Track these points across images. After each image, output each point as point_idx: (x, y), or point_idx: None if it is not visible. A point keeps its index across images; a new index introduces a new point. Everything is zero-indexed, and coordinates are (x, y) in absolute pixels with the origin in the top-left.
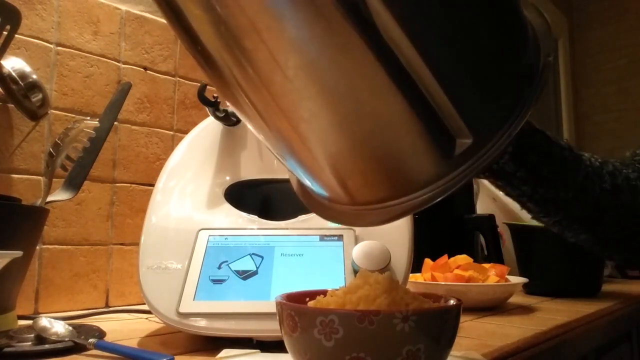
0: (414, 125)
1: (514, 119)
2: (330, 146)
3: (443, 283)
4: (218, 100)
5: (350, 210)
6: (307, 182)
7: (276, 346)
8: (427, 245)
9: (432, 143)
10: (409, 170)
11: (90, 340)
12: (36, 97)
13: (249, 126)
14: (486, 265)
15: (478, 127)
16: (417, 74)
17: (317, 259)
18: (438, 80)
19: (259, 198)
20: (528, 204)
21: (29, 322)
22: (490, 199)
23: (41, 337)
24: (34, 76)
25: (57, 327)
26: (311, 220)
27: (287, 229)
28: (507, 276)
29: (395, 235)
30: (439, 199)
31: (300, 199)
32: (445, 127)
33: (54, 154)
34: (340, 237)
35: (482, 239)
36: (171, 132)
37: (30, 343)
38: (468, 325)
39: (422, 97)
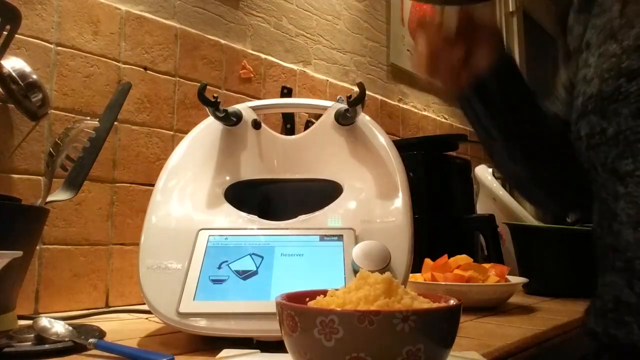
0: None
1: None
2: None
3: (443, 283)
4: (218, 100)
5: None
6: None
7: (276, 346)
8: (427, 245)
9: None
10: None
11: (90, 340)
12: (36, 97)
13: None
14: (486, 265)
15: None
16: None
17: (317, 259)
18: None
19: (259, 198)
20: (494, 131)
21: (29, 322)
22: (490, 199)
23: (41, 337)
24: (34, 76)
25: (57, 327)
26: (311, 220)
27: (287, 229)
28: (507, 276)
29: (395, 235)
30: None
31: None
32: None
33: (54, 154)
34: (340, 237)
35: (482, 239)
36: (171, 132)
37: (30, 343)
38: (468, 325)
39: None
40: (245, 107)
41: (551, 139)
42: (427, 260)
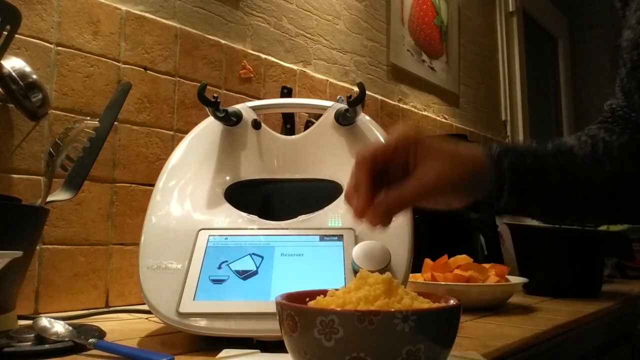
0: None
1: None
2: None
3: (443, 283)
4: (218, 100)
5: None
6: None
7: (276, 346)
8: (427, 245)
9: None
10: None
11: (90, 340)
12: (36, 97)
13: None
14: (486, 265)
15: None
16: None
17: (317, 259)
18: None
19: (259, 198)
20: (542, 217)
21: (29, 322)
22: None
23: (41, 337)
24: (34, 76)
25: (57, 327)
26: (311, 220)
27: (287, 229)
28: (507, 276)
29: (395, 235)
30: None
31: None
32: None
33: (54, 154)
34: (340, 237)
35: (482, 239)
36: (171, 132)
37: (30, 343)
38: (468, 325)
39: None
40: (245, 107)
41: (616, 178)
42: (427, 260)
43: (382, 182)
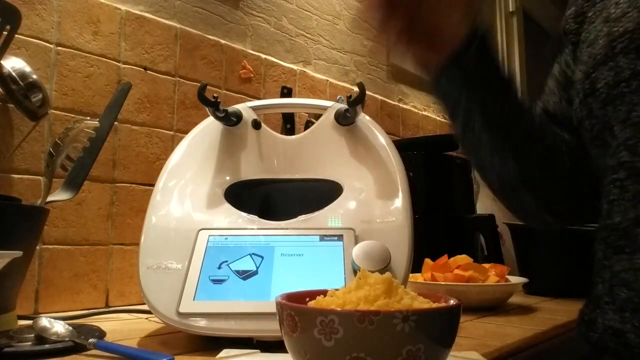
0: None
1: None
2: None
3: (443, 283)
4: (218, 100)
5: None
6: None
7: (276, 346)
8: (427, 245)
9: None
10: None
11: (90, 340)
12: (36, 97)
13: None
14: (486, 265)
15: None
16: None
17: (317, 259)
18: None
19: (259, 198)
20: (475, 114)
21: (29, 322)
22: (490, 199)
23: (41, 337)
24: (34, 76)
25: (57, 327)
26: (311, 220)
27: (287, 229)
28: (507, 276)
29: (395, 235)
30: None
31: None
32: None
33: (54, 154)
34: (340, 237)
35: (482, 239)
36: (171, 132)
37: (30, 343)
38: (468, 325)
39: None
40: (245, 107)
41: (542, 134)
42: (427, 260)
43: None
